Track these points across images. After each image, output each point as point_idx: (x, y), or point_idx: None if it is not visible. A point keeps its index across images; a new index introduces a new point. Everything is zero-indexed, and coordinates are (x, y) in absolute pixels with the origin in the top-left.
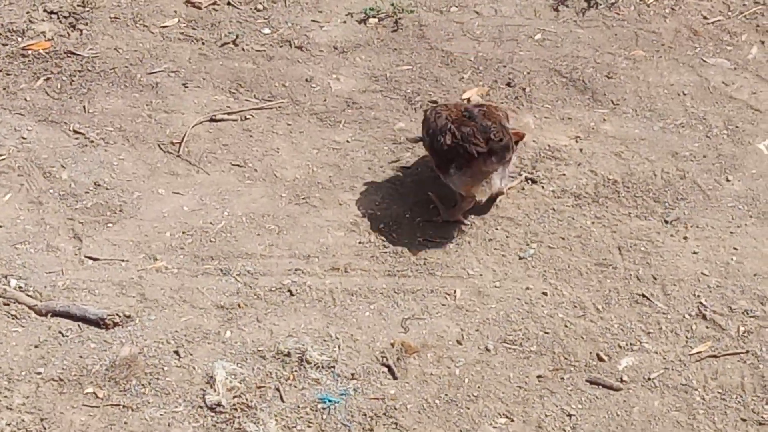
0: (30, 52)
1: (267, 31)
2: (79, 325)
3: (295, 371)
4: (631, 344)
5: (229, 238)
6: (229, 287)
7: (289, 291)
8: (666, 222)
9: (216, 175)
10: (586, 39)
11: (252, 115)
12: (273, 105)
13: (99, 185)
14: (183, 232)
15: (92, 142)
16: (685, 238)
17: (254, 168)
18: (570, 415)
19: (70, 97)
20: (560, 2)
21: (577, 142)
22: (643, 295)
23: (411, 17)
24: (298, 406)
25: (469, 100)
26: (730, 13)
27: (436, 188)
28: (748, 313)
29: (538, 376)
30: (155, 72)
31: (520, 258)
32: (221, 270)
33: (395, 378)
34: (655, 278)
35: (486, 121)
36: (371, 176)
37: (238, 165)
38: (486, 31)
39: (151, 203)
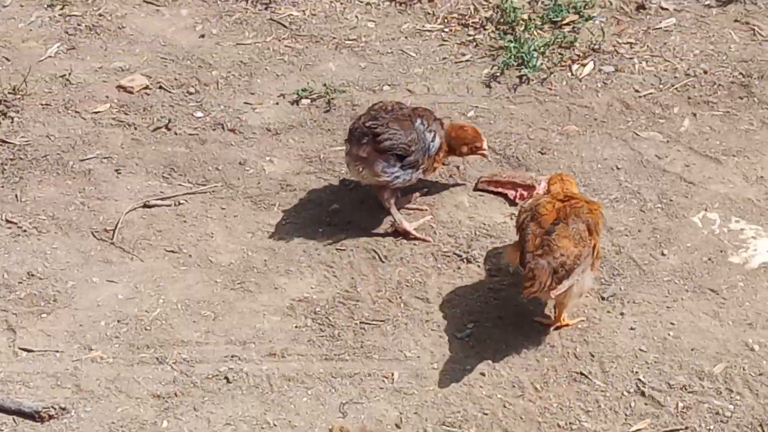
0: None
1: (199, 114)
2: (13, 419)
3: None
4: (570, 423)
5: (165, 325)
6: (166, 376)
7: (226, 378)
8: (602, 298)
9: (150, 262)
10: (519, 115)
11: (186, 200)
12: (207, 189)
13: (32, 275)
14: (118, 321)
15: (25, 231)
16: (622, 314)
17: (189, 253)
18: None
19: (2, 186)
20: (492, 79)
21: (511, 219)
22: (582, 373)
23: (343, 97)
24: None
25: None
26: (661, 86)
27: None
28: (686, 389)
29: None
30: (88, 158)
31: (458, 338)
32: (157, 358)
33: None
34: (592, 355)
35: (383, 115)
36: (306, 259)
37: (172, 251)
38: None
39: (86, 292)
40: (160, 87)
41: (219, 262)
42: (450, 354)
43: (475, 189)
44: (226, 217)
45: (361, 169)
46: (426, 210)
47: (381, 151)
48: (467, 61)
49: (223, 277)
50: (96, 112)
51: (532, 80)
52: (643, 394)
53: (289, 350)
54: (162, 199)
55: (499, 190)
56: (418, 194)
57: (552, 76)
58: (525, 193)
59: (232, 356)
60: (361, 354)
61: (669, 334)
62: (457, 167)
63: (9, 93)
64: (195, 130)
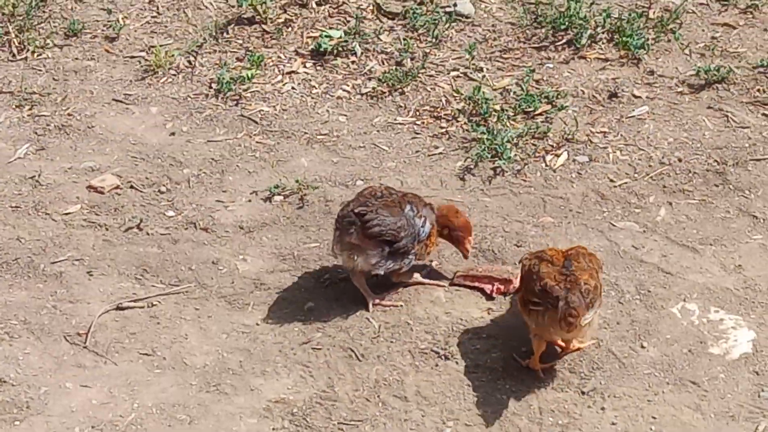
0: None
1: (171, 213)
2: None
3: None
4: None
5: (140, 430)
6: None
7: None
8: (582, 393)
9: (124, 366)
10: (493, 207)
11: (159, 302)
12: (180, 290)
13: (4, 381)
14: (92, 427)
15: None
16: (603, 408)
17: (163, 356)
18: None
19: None
20: (466, 171)
21: (489, 314)
22: None
23: (316, 193)
24: None
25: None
26: (636, 175)
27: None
28: None
29: None
30: (59, 261)
31: None
32: None
33: None
34: None
35: (372, 201)
36: (282, 359)
37: (146, 354)
38: None
39: (59, 398)
40: (131, 186)
41: (194, 364)
42: None
43: (451, 284)
44: (200, 317)
45: (355, 257)
46: (401, 306)
47: (370, 237)
48: (440, 153)
49: (198, 380)
50: (66, 214)
51: (506, 172)
52: None
53: None
54: (135, 300)
55: (476, 284)
56: (393, 291)
57: (526, 167)
58: (502, 287)
59: None
60: None
61: (651, 429)
62: (431, 261)
63: None
64: (167, 230)
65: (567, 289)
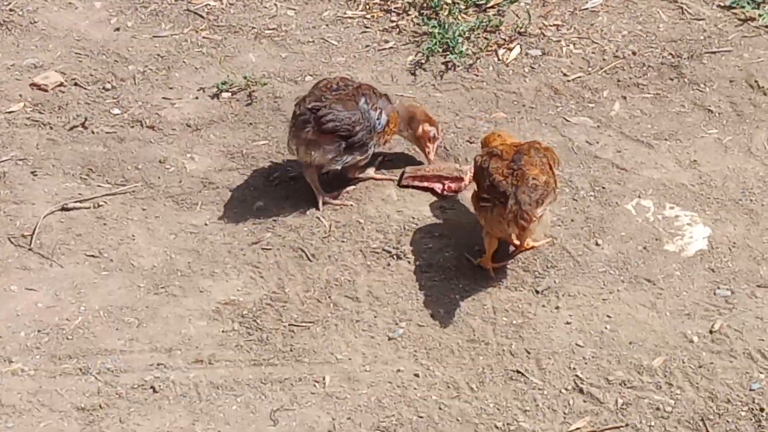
0: None
1: (117, 111)
2: None
3: None
4: (508, 424)
5: (87, 334)
6: (90, 387)
7: (152, 388)
8: (537, 292)
9: (70, 268)
10: (445, 103)
11: (105, 202)
12: (126, 190)
13: None
14: (38, 331)
15: None
16: (557, 307)
17: (110, 258)
18: None
19: None
20: (417, 66)
21: (442, 212)
22: (518, 371)
23: (265, 89)
24: None
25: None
26: (590, 69)
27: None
28: (625, 384)
29: None
30: (2, 161)
31: (390, 338)
32: (80, 369)
33: None
34: (528, 352)
35: (327, 96)
36: (231, 260)
37: (92, 255)
38: None
39: (4, 301)
40: (76, 84)
41: (141, 266)
42: (382, 355)
43: (400, 185)
44: (147, 218)
45: (312, 153)
46: (351, 205)
47: (325, 132)
48: (391, 48)
49: (146, 282)
50: (9, 112)
51: (458, 66)
52: (581, 391)
53: (217, 356)
54: (81, 201)
55: (425, 184)
56: (344, 190)
57: (478, 61)
58: (452, 186)
59: (158, 364)
60: (290, 358)
61: (606, 328)
62: (383, 159)
63: None
64: (113, 128)
65: (515, 186)
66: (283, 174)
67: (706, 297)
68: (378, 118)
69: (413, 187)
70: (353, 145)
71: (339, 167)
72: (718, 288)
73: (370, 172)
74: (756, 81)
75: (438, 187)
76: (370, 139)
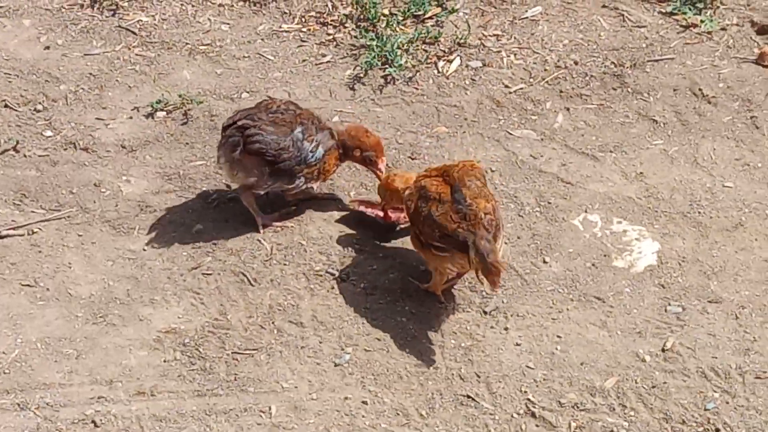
0: None
1: (49, 133)
2: None
3: None
4: None
5: (25, 367)
6: (28, 423)
7: (93, 422)
8: (485, 313)
9: (5, 298)
10: (385, 118)
11: (40, 228)
12: (61, 215)
13: None
14: None
15: None
16: (506, 328)
17: (46, 287)
18: None
19: None
20: (356, 80)
21: (386, 232)
22: (468, 396)
23: (201, 107)
24: None
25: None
26: (531, 80)
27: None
28: (578, 407)
29: None
30: None
31: (336, 365)
32: (18, 404)
33: None
34: (478, 376)
35: (261, 116)
36: (171, 286)
37: (28, 285)
38: None
39: None
40: (6, 105)
41: (79, 295)
42: (329, 382)
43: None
44: (83, 244)
45: (237, 172)
46: (292, 227)
47: (250, 153)
48: (328, 62)
49: (84, 311)
50: None
51: (398, 80)
52: (533, 415)
53: (159, 387)
54: (14, 228)
55: (376, 212)
56: (285, 211)
57: (418, 74)
58: (393, 216)
59: (99, 397)
60: (235, 388)
61: (557, 349)
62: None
63: None
64: (45, 151)
65: (470, 231)
66: (222, 195)
67: (657, 314)
68: (312, 151)
69: (359, 210)
70: (279, 173)
71: (261, 193)
72: (669, 304)
73: (313, 190)
74: (700, 89)
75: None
76: (300, 171)
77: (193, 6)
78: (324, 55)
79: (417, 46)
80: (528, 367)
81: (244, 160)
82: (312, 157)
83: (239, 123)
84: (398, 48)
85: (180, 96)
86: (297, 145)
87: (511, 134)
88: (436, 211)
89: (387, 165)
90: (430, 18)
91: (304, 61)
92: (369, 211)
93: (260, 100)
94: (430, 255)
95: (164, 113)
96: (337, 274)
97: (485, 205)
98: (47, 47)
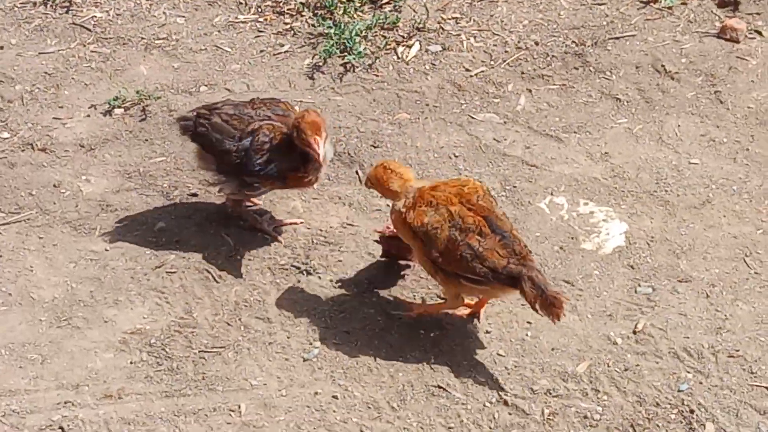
0: None
1: (6, 134)
2: None
3: None
4: None
5: None
6: None
7: (61, 428)
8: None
9: None
10: (346, 106)
11: (0, 232)
12: (21, 218)
13: None
14: None
15: None
16: (476, 316)
17: (8, 292)
18: None
19: None
20: (315, 69)
21: (346, 226)
22: (439, 386)
23: (159, 103)
24: None
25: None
26: (492, 63)
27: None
28: (551, 393)
29: None
30: None
31: (305, 360)
32: None
33: None
34: (449, 365)
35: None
36: (135, 286)
37: None
38: None
39: None
40: None
41: (42, 298)
42: (298, 378)
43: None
44: (45, 247)
45: (198, 160)
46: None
47: (193, 141)
48: (286, 52)
49: (47, 315)
50: None
51: (357, 67)
52: (506, 403)
53: (126, 390)
54: None
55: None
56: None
57: (377, 61)
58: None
59: (65, 402)
60: (203, 387)
61: (527, 335)
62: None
63: None
64: (3, 153)
65: (522, 266)
66: (183, 191)
67: (627, 296)
68: (259, 160)
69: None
70: (226, 174)
71: (217, 192)
72: (639, 285)
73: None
74: (662, 66)
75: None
76: (252, 180)
77: (147, 0)
78: (282, 45)
79: (375, 32)
80: (499, 354)
81: (200, 153)
82: (258, 168)
83: (192, 112)
84: (357, 35)
85: (137, 92)
86: (240, 153)
87: (473, 118)
88: (478, 246)
89: (349, 154)
90: (388, 3)
91: (261, 51)
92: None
93: (251, 98)
94: (455, 284)
95: (122, 110)
96: (302, 267)
97: (515, 231)
98: (1, 47)
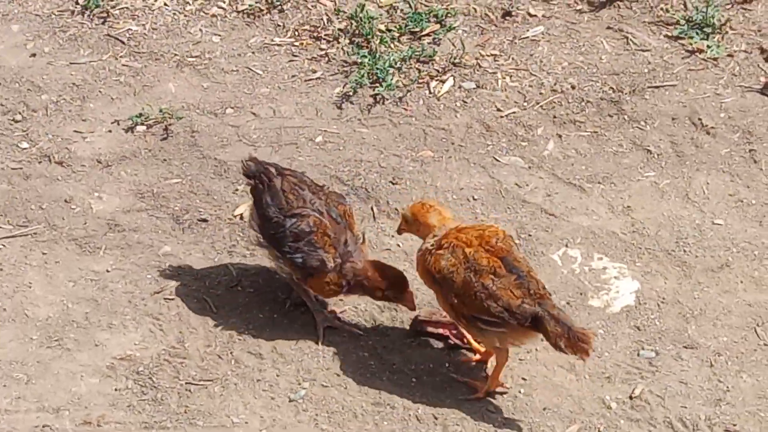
0: None
1: (25, 145)
2: None
3: None
4: None
5: None
6: None
7: None
8: (450, 348)
9: None
10: (370, 140)
11: (4, 245)
12: (27, 232)
13: None
14: None
15: None
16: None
17: (3, 307)
18: None
19: None
20: (344, 99)
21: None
22: None
23: (182, 123)
24: None
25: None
26: (525, 104)
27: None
28: None
29: None
30: None
31: (291, 400)
32: None
33: None
34: (436, 418)
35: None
36: (131, 311)
37: None
38: (263, 135)
39: None
40: None
41: (36, 317)
42: (281, 419)
43: (411, 328)
44: (46, 263)
45: (249, 211)
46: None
47: (249, 184)
48: (318, 78)
49: (39, 334)
50: None
51: (387, 99)
52: None
53: (107, 417)
54: None
55: (439, 330)
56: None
57: (408, 94)
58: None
59: (44, 426)
60: (184, 421)
61: (520, 392)
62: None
63: None
64: (19, 164)
65: (538, 304)
66: (194, 216)
67: (628, 358)
68: (292, 244)
69: (425, 333)
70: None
71: (272, 266)
72: (643, 348)
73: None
74: (699, 119)
75: (453, 334)
76: (277, 258)
77: (185, 16)
78: (314, 71)
79: (410, 64)
80: (488, 410)
81: (251, 206)
82: (289, 250)
83: (267, 166)
84: (390, 66)
85: (161, 110)
86: (282, 225)
87: (498, 161)
88: (492, 285)
89: (366, 190)
90: (427, 35)
91: (293, 76)
92: (440, 330)
93: (338, 195)
94: (475, 329)
95: (144, 128)
96: (302, 305)
97: (534, 272)
98: (33, 54)
